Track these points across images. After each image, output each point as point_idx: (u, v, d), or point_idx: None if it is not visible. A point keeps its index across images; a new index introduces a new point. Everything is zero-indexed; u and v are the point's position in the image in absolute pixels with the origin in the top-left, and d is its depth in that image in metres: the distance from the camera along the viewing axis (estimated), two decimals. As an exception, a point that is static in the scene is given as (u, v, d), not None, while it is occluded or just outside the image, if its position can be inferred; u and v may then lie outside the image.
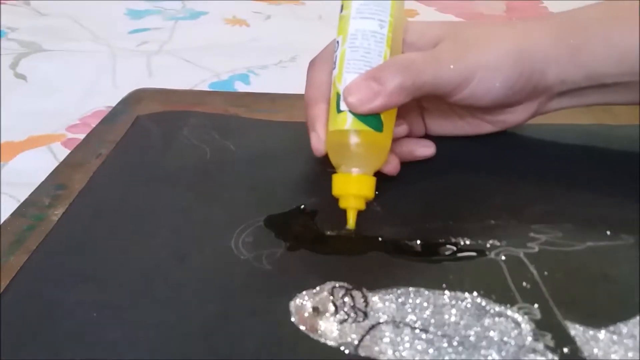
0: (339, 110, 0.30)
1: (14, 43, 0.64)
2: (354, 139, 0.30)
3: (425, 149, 0.36)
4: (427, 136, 0.37)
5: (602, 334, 0.24)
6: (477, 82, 0.31)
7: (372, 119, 0.29)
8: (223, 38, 0.66)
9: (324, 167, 0.36)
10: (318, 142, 0.32)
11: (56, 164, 0.39)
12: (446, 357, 0.24)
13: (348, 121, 0.29)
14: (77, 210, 0.33)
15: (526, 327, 0.25)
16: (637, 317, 0.25)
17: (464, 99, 0.32)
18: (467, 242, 0.30)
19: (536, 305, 0.26)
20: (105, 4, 0.76)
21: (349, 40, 0.30)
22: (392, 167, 0.33)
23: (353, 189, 0.30)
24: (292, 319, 0.26)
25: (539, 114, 0.35)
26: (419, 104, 0.37)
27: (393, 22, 0.30)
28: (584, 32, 0.31)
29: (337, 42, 0.31)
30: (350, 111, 0.29)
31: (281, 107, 0.45)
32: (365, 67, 0.30)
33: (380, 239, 0.30)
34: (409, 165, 0.35)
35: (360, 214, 0.30)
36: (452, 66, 0.30)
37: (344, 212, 0.30)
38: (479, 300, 0.26)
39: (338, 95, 0.30)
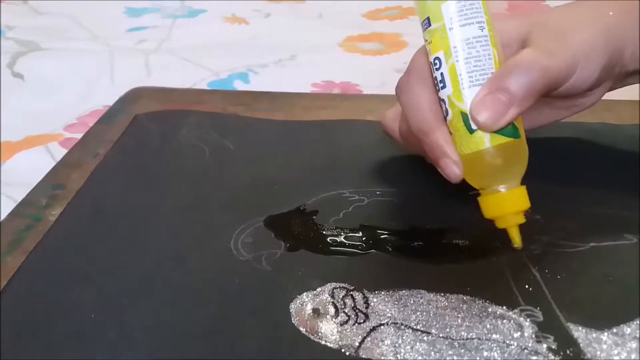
0: (470, 131, 0.28)
1: (12, 42, 0.63)
2: (498, 156, 0.28)
3: None
4: None
5: (605, 335, 0.24)
6: (580, 70, 0.29)
7: (507, 128, 0.28)
8: (222, 36, 0.65)
9: (324, 167, 0.36)
10: (456, 168, 0.29)
11: (54, 163, 0.39)
12: (448, 359, 0.23)
13: (485, 139, 0.27)
14: (74, 210, 0.33)
15: (528, 329, 0.24)
16: (641, 319, 0.25)
17: (567, 88, 0.30)
18: (470, 243, 0.29)
19: (538, 307, 0.25)
20: (103, 3, 0.76)
21: (454, 53, 0.28)
22: None
23: (510, 207, 0.28)
24: (292, 321, 0.25)
25: (610, 90, 0.33)
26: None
27: (489, 20, 0.28)
28: None
29: (438, 58, 0.28)
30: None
31: (281, 106, 0.44)
32: (482, 77, 0.28)
33: (382, 236, 0.30)
34: (408, 165, 0.35)
35: None
36: (563, 55, 0.29)
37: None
38: (481, 302, 0.26)
39: (464, 115, 0.28)
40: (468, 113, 0.28)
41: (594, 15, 0.31)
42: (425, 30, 0.29)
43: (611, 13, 0.30)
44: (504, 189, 0.28)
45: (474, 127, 0.28)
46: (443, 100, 0.29)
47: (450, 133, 0.29)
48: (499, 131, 0.28)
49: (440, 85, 0.28)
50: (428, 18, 0.28)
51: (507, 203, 0.28)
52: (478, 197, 0.28)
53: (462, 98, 0.28)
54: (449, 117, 0.29)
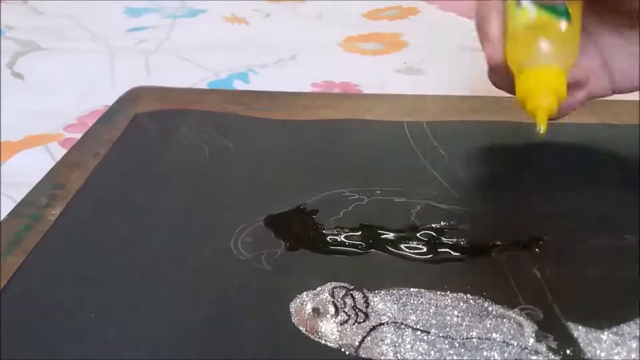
0: (520, 7, 0.27)
1: (12, 42, 0.63)
2: (541, 32, 0.27)
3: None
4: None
5: (605, 335, 0.24)
6: None
7: (559, 9, 0.27)
8: (222, 36, 0.65)
9: (324, 166, 0.36)
10: (493, 47, 0.28)
11: (53, 163, 0.39)
12: (448, 359, 0.23)
13: (531, 14, 0.27)
14: (74, 210, 0.33)
15: (528, 328, 0.24)
16: (641, 318, 0.25)
17: None
18: (469, 242, 0.29)
19: (539, 307, 0.25)
20: (103, 3, 0.76)
21: None
22: (584, 72, 0.30)
23: (544, 82, 0.26)
24: (292, 320, 0.25)
25: None
26: (598, 49, 0.32)
27: None
28: None
29: None
30: (533, 3, 0.27)
31: (281, 105, 0.44)
32: None
33: (382, 235, 0.30)
34: (408, 164, 0.34)
35: None
36: None
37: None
38: (481, 301, 0.26)
39: None
40: None
41: None
42: None
43: None
44: (543, 65, 0.27)
45: (523, 2, 0.27)
46: None
47: (506, 16, 0.28)
48: (550, 10, 0.27)
49: None
50: None
51: (540, 78, 0.27)
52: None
53: None
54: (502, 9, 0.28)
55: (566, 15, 0.27)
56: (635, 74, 0.31)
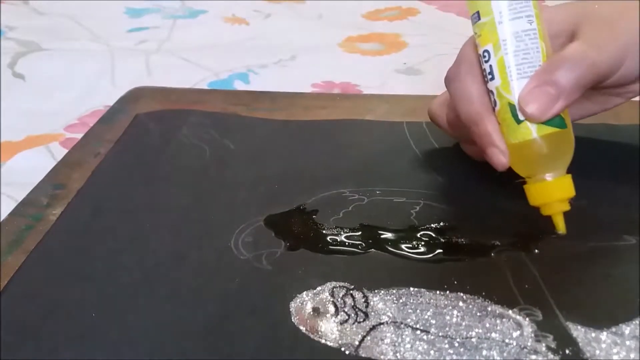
0: (518, 121, 0.28)
1: (13, 42, 0.63)
2: (545, 146, 0.28)
3: None
4: None
5: (604, 335, 0.24)
6: (630, 59, 0.30)
7: (554, 119, 0.28)
8: (222, 37, 0.66)
9: (324, 167, 0.36)
10: (503, 157, 0.29)
11: (54, 163, 0.39)
12: (447, 358, 0.23)
13: (533, 129, 0.28)
14: (75, 210, 0.33)
15: (528, 328, 0.24)
16: (639, 318, 0.25)
17: (617, 79, 0.30)
18: (469, 242, 0.29)
19: (538, 307, 0.25)
20: (104, 3, 0.76)
21: (502, 46, 0.29)
22: None
23: (557, 195, 0.28)
24: (292, 320, 0.25)
25: None
26: None
27: (538, 14, 0.29)
28: None
29: (487, 51, 0.29)
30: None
31: (281, 105, 0.44)
32: (530, 69, 0.28)
33: (382, 235, 0.30)
34: (408, 164, 0.34)
35: None
36: (612, 48, 0.29)
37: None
38: (480, 301, 0.26)
39: (511, 106, 0.28)
40: (516, 104, 0.28)
41: None
42: (475, 24, 0.30)
43: None
44: (550, 177, 0.28)
45: (521, 117, 0.28)
46: (492, 91, 0.29)
47: (499, 124, 0.29)
48: (547, 122, 0.28)
49: (489, 77, 0.29)
50: (478, 12, 0.29)
51: (553, 191, 0.28)
52: (524, 185, 0.29)
53: (510, 90, 0.28)
54: (497, 108, 0.29)
55: (563, 121, 0.29)
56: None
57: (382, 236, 0.30)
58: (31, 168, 0.40)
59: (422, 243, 0.30)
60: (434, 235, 0.30)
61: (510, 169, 0.29)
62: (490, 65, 0.29)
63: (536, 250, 0.29)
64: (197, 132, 0.40)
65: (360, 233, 0.30)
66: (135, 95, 0.47)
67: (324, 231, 0.31)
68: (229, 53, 0.60)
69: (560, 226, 0.29)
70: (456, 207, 0.32)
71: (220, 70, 0.55)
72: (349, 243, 0.30)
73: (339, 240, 0.30)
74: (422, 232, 0.30)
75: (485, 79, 0.30)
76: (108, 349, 0.25)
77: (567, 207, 0.29)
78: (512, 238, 0.29)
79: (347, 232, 0.30)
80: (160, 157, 0.38)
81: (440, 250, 0.29)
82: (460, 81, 0.31)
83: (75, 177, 0.36)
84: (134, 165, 0.38)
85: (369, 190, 0.34)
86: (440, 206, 0.32)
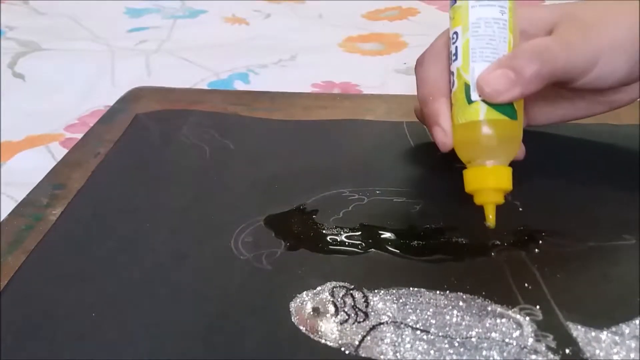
0: (469, 101, 0.29)
1: (13, 42, 0.63)
2: (490, 130, 0.28)
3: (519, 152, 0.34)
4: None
5: (604, 334, 0.24)
6: (604, 63, 0.30)
7: (506, 107, 0.28)
8: (222, 37, 0.65)
9: (324, 166, 0.36)
10: (445, 137, 0.30)
11: (54, 163, 0.39)
12: (447, 358, 0.23)
13: (482, 111, 0.28)
14: (75, 210, 0.33)
15: (528, 328, 0.24)
16: (639, 318, 0.25)
17: (588, 82, 0.31)
18: (469, 242, 0.29)
19: (538, 306, 0.25)
20: (104, 3, 0.76)
21: (471, 29, 0.29)
22: (521, 152, 0.33)
23: (491, 182, 0.28)
24: (292, 319, 0.25)
25: None
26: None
27: (512, 8, 0.29)
28: None
29: (456, 33, 0.30)
30: (483, 101, 0.28)
31: (281, 105, 0.44)
32: (493, 55, 0.29)
33: (382, 235, 0.30)
34: (407, 164, 0.34)
35: None
36: (582, 48, 0.29)
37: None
38: (480, 300, 0.26)
39: (466, 86, 0.29)
40: (471, 84, 0.29)
41: (625, 10, 0.31)
42: (451, 7, 0.30)
43: None
44: (489, 164, 0.28)
45: (473, 98, 0.29)
46: (452, 72, 0.30)
47: (452, 105, 0.30)
48: (498, 108, 0.28)
49: (453, 58, 0.30)
50: None
51: (488, 178, 0.28)
52: (463, 170, 0.29)
53: (469, 70, 0.29)
54: (454, 89, 0.30)
55: (514, 112, 0.29)
56: (548, 118, 0.36)
57: (382, 236, 0.30)
58: (31, 168, 0.40)
59: (422, 243, 0.30)
60: (434, 235, 0.30)
61: (455, 156, 0.30)
62: (456, 47, 0.30)
63: (536, 250, 0.29)
64: (197, 132, 0.40)
65: (360, 233, 0.30)
66: (135, 95, 0.47)
67: (324, 231, 0.31)
68: (229, 53, 0.60)
69: (490, 218, 0.28)
70: (456, 206, 0.32)
71: (220, 70, 0.55)
72: (349, 243, 0.30)
73: (339, 240, 0.30)
74: (422, 232, 0.30)
75: (450, 61, 0.30)
76: (108, 349, 0.25)
77: (500, 199, 0.28)
78: (512, 238, 0.29)
79: (347, 232, 0.30)
80: (160, 157, 0.38)
81: (440, 250, 0.29)
82: (423, 66, 0.33)
83: (75, 177, 0.36)
84: (134, 165, 0.38)
85: (369, 190, 0.34)
86: (440, 206, 0.32)
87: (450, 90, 0.30)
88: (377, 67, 0.55)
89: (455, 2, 0.30)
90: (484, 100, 0.28)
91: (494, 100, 0.28)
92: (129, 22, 0.70)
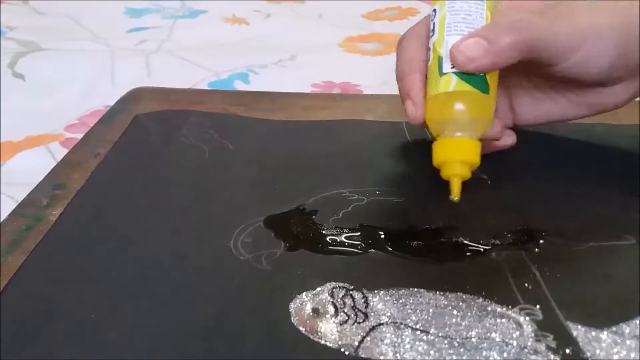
0: (441, 74, 0.29)
1: (13, 42, 0.63)
2: (459, 101, 0.28)
3: (507, 138, 0.34)
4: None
5: (604, 334, 0.24)
6: (588, 47, 0.29)
7: (478, 79, 0.28)
8: (222, 37, 0.66)
9: (323, 167, 0.36)
10: (415, 109, 0.30)
11: (54, 163, 0.39)
12: (447, 359, 0.23)
13: (452, 83, 0.28)
14: (75, 210, 0.33)
15: (528, 328, 0.24)
16: (639, 318, 0.25)
17: (571, 66, 0.30)
18: (468, 242, 0.29)
19: (538, 306, 0.25)
20: (104, 3, 0.76)
21: (447, 4, 0.30)
22: (497, 130, 0.32)
23: (458, 154, 0.28)
24: (292, 320, 0.25)
25: (637, 96, 0.33)
26: (508, 93, 0.35)
27: None
28: None
29: (434, 10, 0.30)
30: (455, 73, 0.28)
31: (281, 106, 0.44)
32: (468, 29, 0.29)
33: (381, 235, 0.30)
34: (407, 165, 0.34)
35: None
36: (567, 25, 0.29)
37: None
38: (480, 301, 0.26)
39: (440, 59, 0.29)
40: (444, 57, 0.29)
41: (615, 8, 0.30)
42: None
43: (634, 11, 0.30)
44: (459, 136, 0.28)
45: (445, 70, 0.29)
46: (429, 48, 0.30)
47: (426, 79, 0.30)
48: (469, 80, 0.28)
49: (431, 34, 0.30)
50: None
51: (455, 149, 0.28)
52: (433, 142, 0.29)
53: (443, 44, 0.29)
54: (429, 63, 0.30)
55: (485, 86, 0.29)
56: (534, 116, 0.35)
57: (381, 236, 0.30)
58: (31, 168, 0.40)
59: (422, 243, 0.30)
60: (433, 235, 0.30)
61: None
62: (434, 23, 0.30)
63: (536, 250, 0.29)
64: (196, 133, 0.40)
65: (360, 233, 0.30)
66: (135, 96, 0.47)
67: (323, 231, 0.31)
68: (229, 53, 0.60)
69: (455, 191, 0.28)
70: (456, 207, 0.32)
71: (220, 70, 0.55)
72: (348, 243, 0.30)
73: (338, 240, 0.30)
74: (421, 233, 0.30)
75: (430, 38, 0.31)
76: (108, 349, 0.25)
77: (467, 174, 0.28)
78: (512, 238, 0.29)
79: (346, 233, 0.30)
80: (160, 158, 0.38)
81: (440, 250, 0.29)
82: (402, 43, 0.33)
83: (75, 178, 0.36)
84: (134, 165, 0.38)
85: (369, 190, 0.34)
86: (440, 206, 0.32)
87: (426, 67, 0.30)
88: (377, 67, 0.55)
89: None
90: (456, 73, 0.28)
91: (465, 67, 0.28)
92: (129, 22, 0.70)
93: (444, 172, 0.28)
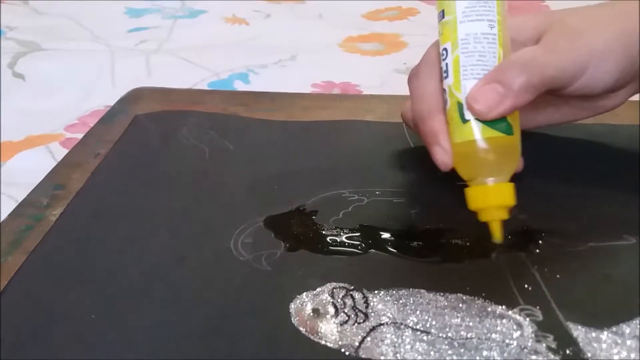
0: (463, 121, 0.28)
1: (13, 42, 0.63)
2: (486, 148, 0.28)
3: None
4: None
5: (604, 334, 0.24)
6: (593, 70, 0.29)
7: (500, 123, 0.28)
8: (222, 37, 0.66)
9: (323, 167, 0.36)
10: (446, 156, 0.30)
11: (54, 163, 0.39)
12: (447, 359, 0.23)
13: (476, 130, 0.28)
14: (75, 211, 0.33)
15: (528, 328, 0.24)
16: (639, 318, 0.25)
17: (578, 89, 0.30)
18: (469, 243, 0.29)
19: (538, 307, 0.25)
20: (104, 3, 0.76)
21: (460, 45, 0.29)
22: (520, 164, 0.32)
23: (494, 200, 0.28)
24: (292, 321, 0.25)
25: (637, 92, 0.33)
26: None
27: (501, 20, 0.29)
28: None
29: (445, 49, 0.30)
30: (476, 119, 0.28)
31: (281, 106, 0.44)
32: (483, 71, 0.28)
33: (381, 236, 0.30)
34: (407, 165, 0.34)
35: None
36: (571, 55, 0.29)
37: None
38: (480, 301, 0.26)
39: (459, 105, 0.29)
40: (464, 103, 0.28)
41: (611, 16, 0.31)
42: (440, 22, 0.30)
43: (633, 14, 0.30)
44: (491, 182, 0.28)
45: (467, 117, 0.28)
46: (445, 89, 0.30)
47: (447, 123, 0.29)
48: (492, 125, 0.28)
49: (444, 75, 0.29)
50: (443, 11, 0.30)
51: (491, 196, 0.28)
52: (465, 188, 0.29)
53: (461, 88, 0.29)
54: (447, 107, 0.29)
55: (509, 127, 0.28)
56: (535, 121, 0.35)
57: (381, 237, 0.30)
58: (31, 168, 0.40)
59: (422, 244, 0.30)
60: (433, 236, 0.30)
61: (455, 171, 0.29)
62: (447, 64, 0.29)
63: (536, 251, 0.29)
64: (196, 133, 0.40)
65: (360, 234, 0.30)
66: (135, 96, 0.47)
67: (323, 232, 0.31)
68: (229, 53, 0.60)
69: (497, 235, 0.28)
70: (456, 208, 0.32)
71: (220, 70, 0.55)
72: (348, 244, 0.30)
73: (338, 240, 0.30)
74: (422, 233, 0.30)
75: (442, 78, 0.30)
76: (108, 349, 0.25)
77: (505, 216, 0.28)
78: (512, 238, 0.29)
79: (346, 233, 0.30)
80: (160, 158, 0.38)
81: (440, 251, 0.29)
82: (418, 79, 0.32)
83: (75, 178, 0.36)
84: (134, 166, 0.38)
85: (369, 190, 0.34)
86: (440, 207, 0.32)
87: (445, 108, 0.30)
88: (377, 67, 0.55)
89: (444, 17, 0.30)
90: (478, 120, 0.28)
91: (486, 117, 0.28)
92: (129, 22, 0.70)
93: (483, 218, 0.28)
